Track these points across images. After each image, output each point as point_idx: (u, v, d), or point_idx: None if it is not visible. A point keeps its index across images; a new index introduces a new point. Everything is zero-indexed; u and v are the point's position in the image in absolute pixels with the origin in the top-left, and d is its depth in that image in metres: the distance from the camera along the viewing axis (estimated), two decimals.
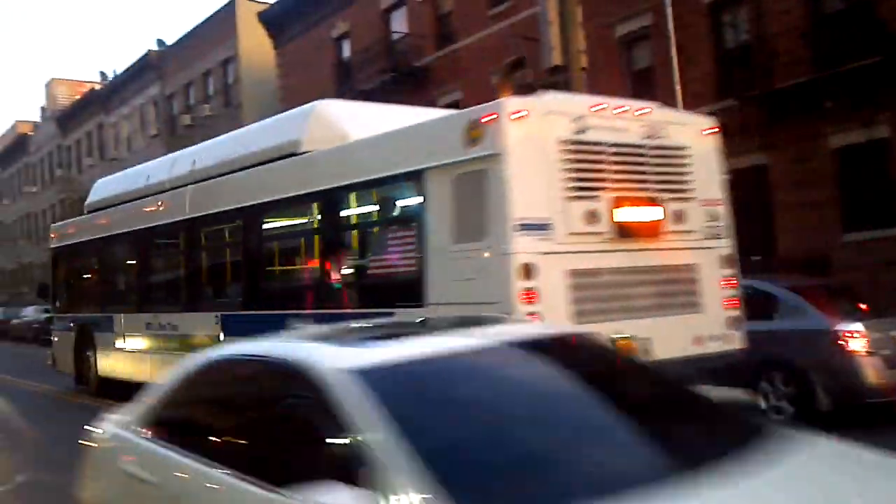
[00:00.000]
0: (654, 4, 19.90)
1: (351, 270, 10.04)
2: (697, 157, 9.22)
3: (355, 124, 10.42)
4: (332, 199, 10.15)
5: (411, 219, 9.06)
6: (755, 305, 10.73)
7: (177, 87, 42.47)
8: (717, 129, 9.73)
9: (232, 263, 12.49)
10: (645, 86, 20.62)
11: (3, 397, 15.37)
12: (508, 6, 23.95)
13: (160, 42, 44.69)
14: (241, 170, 11.76)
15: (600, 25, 20.71)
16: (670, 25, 19.44)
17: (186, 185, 12.97)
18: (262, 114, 35.51)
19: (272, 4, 35.17)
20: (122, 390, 13.62)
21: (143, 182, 14.77)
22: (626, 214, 8.30)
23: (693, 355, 8.52)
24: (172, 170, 13.95)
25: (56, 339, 17.66)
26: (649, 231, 8.53)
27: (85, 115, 53.09)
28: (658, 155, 8.77)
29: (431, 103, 26.74)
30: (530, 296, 7.58)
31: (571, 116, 8.24)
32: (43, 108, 63.71)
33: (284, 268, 11.82)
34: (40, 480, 9.57)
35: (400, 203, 9.51)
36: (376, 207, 10.20)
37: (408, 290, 8.59)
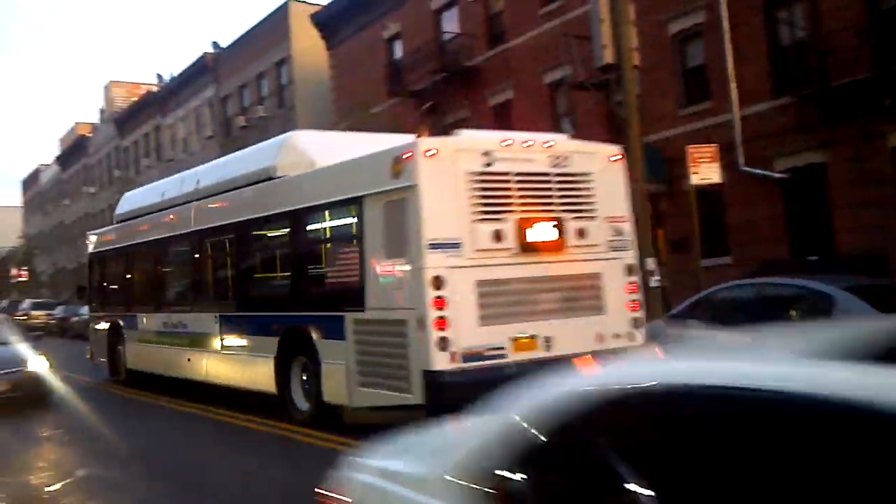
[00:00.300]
0: (708, 1, 19.67)
1: (313, 280, 11.86)
2: (601, 181, 10.63)
3: (321, 153, 12.13)
4: (296, 219, 11.90)
5: (355, 237, 10.68)
6: (810, 307, 10.57)
7: (231, 89, 43.01)
8: (621, 157, 11.25)
9: (226, 271, 14.33)
10: (698, 84, 20.41)
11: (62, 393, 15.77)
12: (559, 5, 23.85)
13: (215, 45, 45.29)
14: (231, 190, 13.75)
15: (653, 23, 20.52)
16: (725, 23, 19.21)
17: (191, 201, 15.06)
18: (316, 115, 36.05)
19: (325, 6, 35.44)
20: (149, 381, 16.33)
21: (159, 197, 16.93)
22: (530, 233, 9.81)
23: (598, 352, 9.79)
24: (181, 188, 16.00)
25: (93, 335, 19.75)
26: (552, 246, 10.00)
27: (142, 117, 54.01)
28: (562, 181, 10.27)
29: (482, 103, 26.79)
30: (440, 303, 9.17)
31: (481, 151, 9.77)
32: (101, 111, 64.94)
33: (264, 276, 13.43)
34: (99, 475, 9.78)
35: (347, 224, 11.09)
36: (330, 227, 11.77)
37: (353, 297, 10.30)
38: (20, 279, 68.55)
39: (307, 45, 36.93)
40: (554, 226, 10.05)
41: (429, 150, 9.45)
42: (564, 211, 10.19)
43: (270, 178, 12.70)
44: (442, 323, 9.16)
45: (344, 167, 11.06)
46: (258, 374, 12.36)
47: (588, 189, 10.50)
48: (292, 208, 11.88)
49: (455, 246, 9.43)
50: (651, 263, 15.44)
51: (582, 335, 10.10)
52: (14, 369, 14.65)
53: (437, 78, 27.37)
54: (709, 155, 16.43)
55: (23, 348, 15.53)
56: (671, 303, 16.28)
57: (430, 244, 9.28)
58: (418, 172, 9.38)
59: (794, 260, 17.58)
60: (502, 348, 9.62)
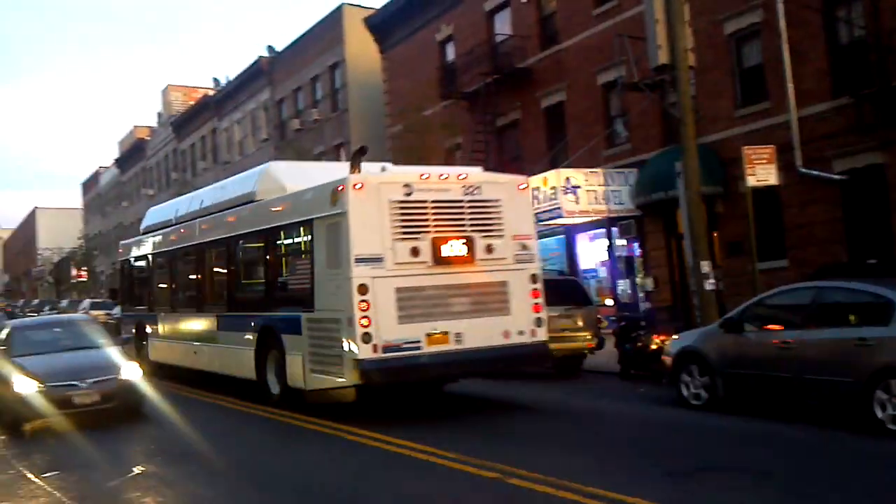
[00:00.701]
0: (765, 0, 19.40)
1: (280, 286, 14.34)
2: (509, 206, 12.82)
3: (292, 180, 14.40)
4: (267, 236, 14.53)
5: (307, 252, 13.07)
6: (869, 311, 10.38)
7: (286, 93, 43.47)
8: (527, 185, 13.45)
9: (221, 278, 16.82)
10: (755, 84, 20.15)
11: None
12: (613, 5, 23.72)
13: (270, 49, 45.82)
14: (223, 210, 16.38)
15: (709, 23, 20.33)
16: (782, 22, 18.92)
17: (196, 219, 17.79)
18: (368, 118, 36.27)
19: (378, 10, 35.65)
20: (168, 372, 18.73)
21: (173, 214, 19.62)
22: (444, 249, 12.09)
23: (501, 345, 12.45)
24: (190, 206, 18.74)
25: (124, 332, 22.39)
26: (462, 260, 12.24)
27: (199, 121, 54.83)
28: (473, 206, 12.50)
29: (535, 105, 26.76)
30: (365, 305, 11.52)
31: (402, 184, 12.11)
32: (159, 114, 66.07)
33: (247, 282, 15.93)
34: (154, 472, 9.98)
35: (302, 241, 13.40)
36: (291, 243, 13.98)
37: (307, 300, 12.80)
38: (80, 279, 70.05)
39: (360, 49, 37.18)
40: (464, 243, 12.28)
41: (356, 184, 11.84)
42: (474, 231, 12.44)
43: (251, 202, 15.25)
44: (366, 321, 11.50)
45: (300, 195, 13.48)
46: (244, 364, 14.72)
47: (497, 212, 12.72)
48: (264, 227, 14.54)
49: (378, 260, 11.74)
50: (706, 266, 15.32)
51: (489, 332, 12.40)
52: (106, 377, 13.07)
53: (488, 80, 27.39)
54: (765, 156, 16.23)
55: (114, 353, 14.07)
56: (727, 306, 16.12)
57: (357, 259, 11.64)
58: (348, 202, 11.77)
59: (852, 263, 17.28)
60: (418, 342, 11.88)
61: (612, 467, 8.88)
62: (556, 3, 26.37)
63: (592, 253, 25.31)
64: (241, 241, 15.72)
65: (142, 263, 21.25)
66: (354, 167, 12.63)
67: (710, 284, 15.32)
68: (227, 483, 9.31)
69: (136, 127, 70.80)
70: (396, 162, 31.70)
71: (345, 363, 11.72)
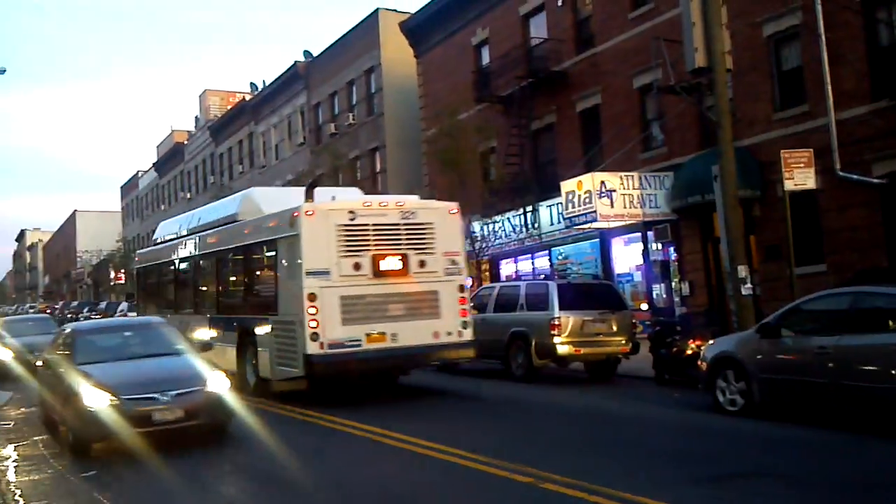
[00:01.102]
0: (804, 2, 19.16)
1: (254, 293, 16.85)
2: (441, 227, 15.19)
3: (268, 204, 16.86)
4: (244, 251, 17.12)
5: (273, 266, 15.53)
6: None
7: (322, 97, 43.70)
8: (457, 210, 15.67)
9: (211, 285, 19.25)
10: (793, 87, 19.94)
11: None
12: (649, 8, 23.58)
13: (307, 53, 46.08)
14: (213, 228, 19.12)
15: (746, 25, 20.13)
16: (821, 24, 18.68)
17: (193, 234, 20.28)
18: (404, 122, 36.41)
19: (414, 14, 35.74)
20: None
21: (177, 228, 22.29)
22: (382, 264, 14.49)
23: (432, 344, 14.87)
24: (190, 223, 21.42)
25: None
26: (398, 273, 14.61)
27: (236, 125, 55.30)
28: (409, 228, 14.86)
29: (570, 108, 26.69)
30: (314, 310, 13.93)
31: (347, 210, 14.46)
32: (197, 118, 66.72)
33: (231, 289, 18.47)
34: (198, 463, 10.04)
35: (269, 256, 15.80)
36: (261, 257, 16.36)
37: (272, 305, 15.22)
38: (118, 282, 70.77)
39: (396, 53, 37.31)
40: (400, 259, 14.64)
41: (308, 211, 14.26)
42: (409, 248, 14.79)
43: (234, 222, 17.96)
44: (315, 323, 13.93)
45: (267, 219, 15.99)
46: (228, 359, 16.67)
47: (430, 233, 15.05)
48: (241, 244, 17.17)
49: (326, 273, 14.14)
50: (742, 271, 15.16)
51: (421, 332, 14.77)
52: (190, 389, 11.15)
53: (524, 83, 27.36)
54: (804, 160, 16.06)
55: (198, 362, 12.12)
56: (763, 311, 15.94)
57: (307, 272, 14.07)
58: (301, 225, 14.19)
59: (892, 268, 17.02)
60: (359, 340, 14.27)
61: (642, 472, 8.82)
62: (592, 6, 26.27)
63: (627, 257, 25.16)
64: (225, 255, 18.39)
65: (153, 271, 23.82)
66: (308, 197, 15.10)
67: (746, 289, 15.15)
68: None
69: (174, 131, 71.48)
70: (431, 168, 31.93)
71: (299, 357, 14.15)
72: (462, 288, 15.35)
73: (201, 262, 19.66)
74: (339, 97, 42.22)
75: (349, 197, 16.13)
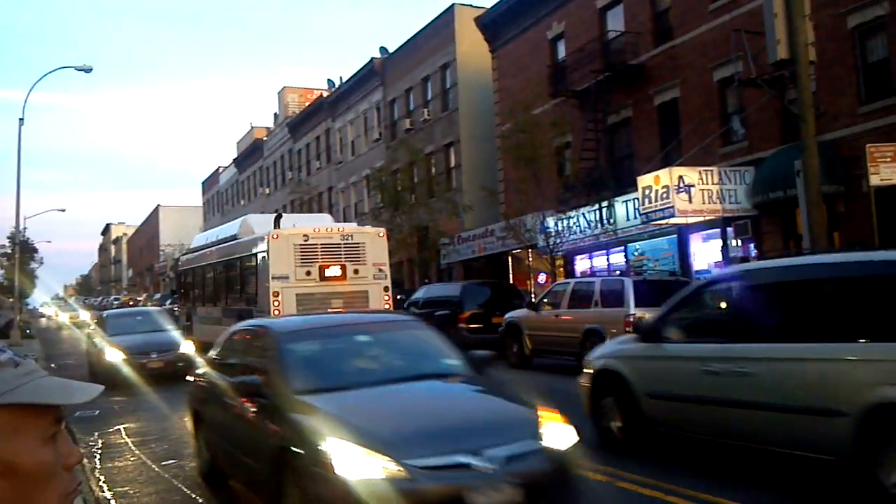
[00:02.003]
0: None
1: (246, 291, 22.22)
2: (371, 246, 20.65)
3: (259, 227, 22.54)
4: (239, 262, 22.85)
5: (255, 272, 21.11)
6: None
7: (398, 93, 43.98)
8: (385, 234, 21.44)
9: (224, 285, 24.86)
10: (880, 79, 19.34)
11: None
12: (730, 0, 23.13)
13: (383, 50, 46.42)
14: (223, 243, 25.04)
15: (830, 16, 19.61)
16: None
17: (212, 246, 26.20)
18: (478, 117, 36.45)
19: (489, 9, 35.70)
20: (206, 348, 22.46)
21: (206, 240, 28.16)
22: (326, 272, 19.84)
23: None
24: (209, 238, 27.79)
25: (182, 320, 29.53)
26: (338, 278, 19.98)
27: (313, 121, 55.98)
28: (347, 246, 20.26)
29: (647, 102, 26.34)
30: (277, 304, 19.20)
31: (302, 234, 19.90)
32: (276, 115, 67.74)
33: (235, 287, 23.71)
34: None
35: (253, 266, 21.38)
36: (249, 266, 21.88)
37: (254, 300, 20.79)
38: None
39: (471, 48, 37.34)
40: (340, 268, 20.08)
41: (273, 235, 19.98)
42: (347, 261, 20.25)
43: (235, 239, 23.79)
44: (277, 312, 18.75)
45: (253, 239, 21.77)
46: None
47: (363, 250, 20.57)
48: (238, 256, 23.02)
49: (286, 278, 19.68)
50: None
51: None
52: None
53: (600, 77, 27.10)
54: (890, 154, 15.59)
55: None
56: None
57: (273, 277, 19.63)
58: (268, 245, 19.94)
59: None
60: None
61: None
62: None
63: (706, 254, 24.73)
64: (229, 263, 24.20)
65: (188, 272, 29.89)
66: (276, 225, 20.98)
67: None
68: None
69: (254, 128, 72.71)
70: (505, 163, 31.90)
71: None
72: (386, 289, 20.89)
73: (216, 267, 25.69)
74: (414, 93, 42.42)
75: (310, 224, 21.79)
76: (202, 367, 9.61)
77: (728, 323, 9.09)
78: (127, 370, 18.47)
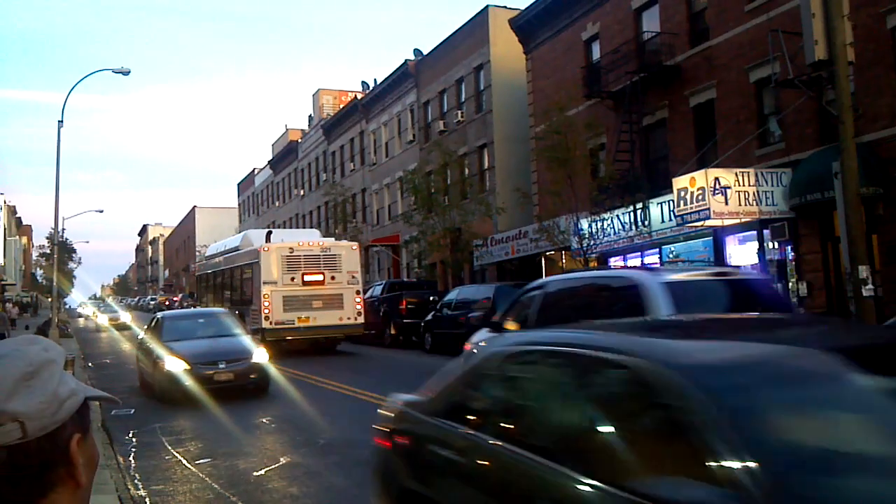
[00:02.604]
0: None
1: (244, 293, 27.83)
2: (345, 257, 25.96)
3: (256, 241, 27.57)
4: (239, 269, 28.82)
5: (251, 278, 26.81)
6: None
7: (432, 95, 44.02)
8: (357, 247, 27.42)
9: (230, 287, 30.25)
10: None
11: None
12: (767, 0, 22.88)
13: (417, 52, 46.50)
14: (228, 253, 31.04)
15: (869, 16, 19.34)
16: None
17: (221, 255, 32.01)
18: (512, 118, 36.39)
19: (523, 10, 35.61)
20: None
21: (216, 250, 34.26)
22: (307, 278, 25.47)
23: (337, 324, 25.84)
24: (218, 248, 33.64)
25: None
26: (318, 283, 25.54)
27: (348, 123, 56.23)
28: (326, 257, 25.70)
29: (682, 103, 26.13)
30: (268, 303, 25.12)
31: (288, 247, 25.62)
32: (310, 117, 68.09)
33: (237, 290, 29.13)
34: (301, 462, 10.27)
35: (249, 273, 27.08)
36: (247, 273, 27.20)
37: (250, 301, 26.71)
38: None
39: (505, 50, 37.29)
40: (320, 275, 25.15)
41: (265, 248, 25.32)
42: (325, 269, 25.34)
43: (237, 250, 29.52)
44: (267, 311, 24.76)
45: (250, 249, 27.07)
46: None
47: (339, 260, 25.64)
48: (238, 264, 28.61)
49: (275, 283, 24.89)
50: (864, 272, 14.57)
51: (332, 318, 25.61)
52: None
53: (635, 78, 26.93)
54: None
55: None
56: (885, 313, 15.30)
57: (264, 282, 24.87)
58: (260, 257, 25.19)
59: None
60: (293, 321, 25.25)
61: None
62: None
63: (742, 256, 24.48)
64: (232, 270, 29.86)
65: (203, 277, 35.87)
66: (267, 240, 26.32)
67: (868, 290, 14.55)
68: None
69: (288, 130, 73.14)
70: (539, 165, 31.83)
71: (260, 327, 25.09)
72: (358, 292, 26.29)
73: (223, 272, 31.46)
74: (448, 94, 42.44)
75: (296, 238, 27.25)
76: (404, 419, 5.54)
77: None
78: (190, 382, 15.55)
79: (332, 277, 25.21)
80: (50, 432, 1.34)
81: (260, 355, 16.62)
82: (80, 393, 1.40)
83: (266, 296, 24.52)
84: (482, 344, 6.44)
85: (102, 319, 55.98)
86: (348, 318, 25.68)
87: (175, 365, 15.80)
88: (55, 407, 1.35)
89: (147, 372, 17.34)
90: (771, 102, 23.34)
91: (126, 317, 55.83)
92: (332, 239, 30.21)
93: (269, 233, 27.29)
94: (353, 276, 25.59)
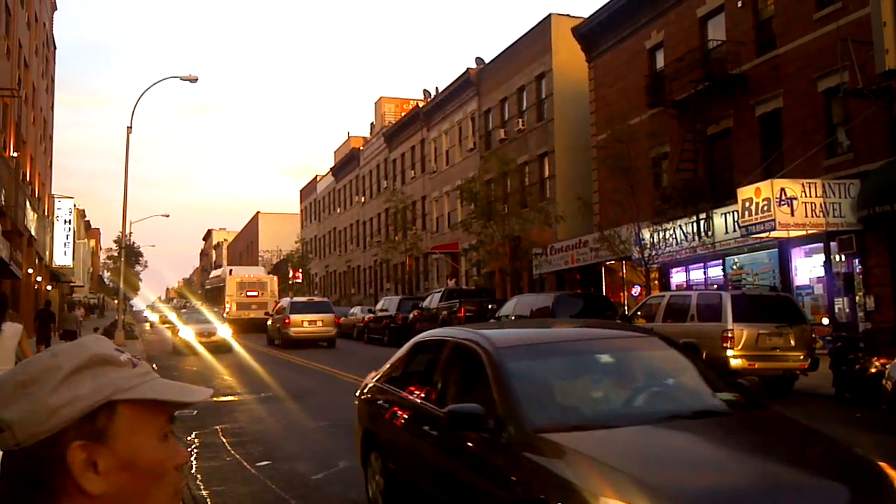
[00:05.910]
0: None
1: (219, 301, 54.76)
2: (269, 284, 54.39)
3: (225, 273, 56.82)
4: (220, 288, 56.66)
5: (223, 292, 54.89)
6: None
7: (493, 103, 44.06)
8: (277, 277, 59.07)
9: (217, 298, 55.64)
10: None
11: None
12: (836, 8, 22.44)
13: (479, 60, 46.61)
14: (218, 276, 62.64)
15: None
16: None
17: (216, 278, 63.81)
18: (573, 127, 36.24)
19: (586, 18, 35.48)
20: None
21: (216, 274, 65.72)
22: (249, 294, 52.81)
23: (263, 317, 48.51)
24: (219, 272, 63.67)
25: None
26: (255, 298, 52.60)
27: (409, 131, 56.56)
28: (259, 283, 54.08)
29: (748, 112, 25.77)
30: (228, 307, 51.05)
31: (243, 276, 54.68)
32: (372, 125, 68.65)
33: (215, 300, 56.97)
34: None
35: (222, 289, 56.03)
36: (222, 290, 55.35)
37: (222, 305, 52.30)
38: (296, 280, 73.78)
39: (567, 58, 37.17)
40: (255, 292, 52.46)
41: (231, 276, 53.63)
42: (257, 290, 52.75)
43: (219, 277, 60.85)
44: (228, 309, 50.47)
45: (224, 278, 55.22)
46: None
47: (266, 285, 53.73)
48: (218, 285, 58.60)
49: (233, 295, 52.07)
50: None
51: (259, 313, 49.84)
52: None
53: (700, 87, 26.63)
54: None
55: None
56: None
57: (228, 295, 52.02)
58: (226, 281, 53.53)
59: None
60: (241, 315, 50.26)
61: None
62: (774, 6, 25.28)
63: (808, 268, 24.04)
64: (218, 287, 56.50)
65: (209, 290, 63.03)
66: (230, 273, 54.03)
67: None
68: None
69: (350, 137, 73.82)
70: (600, 174, 31.67)
71: (223, 318, 41.90)
72: (276, 302, 45.00)
73: (216, 289, 55.63)
74: (509, 103, 42.44)
75: (245, 272, 55.92)
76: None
77: None
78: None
79: (261, 293, 51.91)
80: (44, 440, 1.32)
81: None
82: (91, 398, 1.36)
83: (228, 301, 51.11)
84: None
85: (186, 334, 33.60)
86: (266, 314, 44.05)
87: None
88: (43, 415, 1.32)
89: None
90: (839, 112, 22.89)
91: (225, 331, 34.73)
92: (263, 271, 61.45)
93: (231, 270, 56.43)
94: (272, 293, 52.31)
